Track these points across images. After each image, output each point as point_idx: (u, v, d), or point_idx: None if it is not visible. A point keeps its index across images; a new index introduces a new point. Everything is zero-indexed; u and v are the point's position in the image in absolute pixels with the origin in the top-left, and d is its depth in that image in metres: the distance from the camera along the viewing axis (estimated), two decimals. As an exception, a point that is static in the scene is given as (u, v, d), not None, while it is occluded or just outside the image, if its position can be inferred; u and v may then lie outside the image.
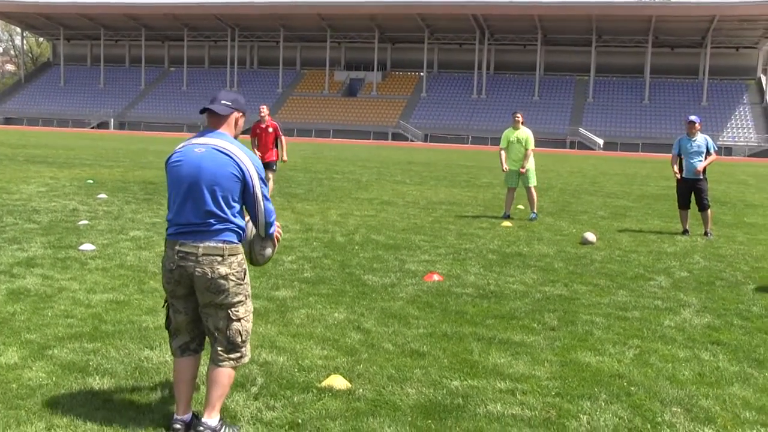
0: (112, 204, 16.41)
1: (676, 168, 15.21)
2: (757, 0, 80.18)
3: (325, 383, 5.64)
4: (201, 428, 4.65)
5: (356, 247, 11.92)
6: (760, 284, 10.12)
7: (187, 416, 4.82)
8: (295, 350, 6.48)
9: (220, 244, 4.68)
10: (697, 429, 5.13)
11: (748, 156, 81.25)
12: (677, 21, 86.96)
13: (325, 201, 18.71)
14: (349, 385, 5.64)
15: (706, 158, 14.81)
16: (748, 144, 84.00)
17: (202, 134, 4.86)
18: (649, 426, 5.14)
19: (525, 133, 16.63)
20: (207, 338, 4.96)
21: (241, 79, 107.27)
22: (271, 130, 17.27)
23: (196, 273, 4.66)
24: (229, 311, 4.74)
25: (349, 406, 5.29)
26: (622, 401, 5.57)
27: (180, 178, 4.72)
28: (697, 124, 14.89)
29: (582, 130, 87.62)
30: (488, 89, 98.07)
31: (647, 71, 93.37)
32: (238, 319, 4.77)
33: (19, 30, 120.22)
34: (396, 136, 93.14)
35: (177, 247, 4.71)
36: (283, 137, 17.57)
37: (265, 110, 17.38)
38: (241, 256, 4.81)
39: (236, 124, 4.93)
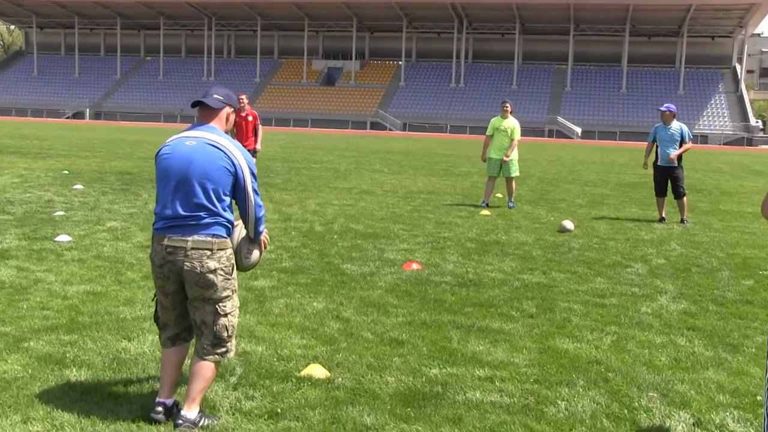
0: (88, 195, 16.30)
1: (647, 158, 15.35)
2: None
3: (304, 372, 5.63)
4: (180, 421, 4.64)
5: (335, 237, 11.91)
6: (734, 270, 10.21)
7: (170, 401, 4.81)
8: (274, 340, 6.47)
9: (210, 238, 4.67)
10: (673, 413, 5.18)
11: (724, 144, 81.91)
12: (654, 10, 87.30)
13: (304, 190, 18.67)
14: (329, 374, 5.64)
15: (680, 146, 14.90)
16: (724, 132, 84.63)
17: (193, 128, 4.85)
18: (626, 411, 5.18)
19: (512, 123, 16.65)
20: None
21: (218, 68, 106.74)
22: (250, 118, 17.25)
23: (185, 267, 4.65)
24: (217, 306, 4.73)
25: (328, 395, 5.29)
26: (600, 387, 5.61)
27: (170, 170, 4.70)
28: (668, 112, 14.94)
29: (560, 119, 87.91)
30: (466, 78, 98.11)
31: (624, 60, 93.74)
32: (225, 314, 4.76)
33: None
34: (374, 125, 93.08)
35: (165, 242, 4.68)
36: (260, 127, 17.54)
37: (245, 99, 17.39)
38: (230, 251, 4.80)
39: (227, 119, 4.91)
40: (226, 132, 4.91)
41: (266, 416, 4.90)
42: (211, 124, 4.83)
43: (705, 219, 15.68)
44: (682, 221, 14.87)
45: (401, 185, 20.85)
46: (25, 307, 7.26)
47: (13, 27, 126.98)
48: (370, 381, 5.57)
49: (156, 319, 4.97)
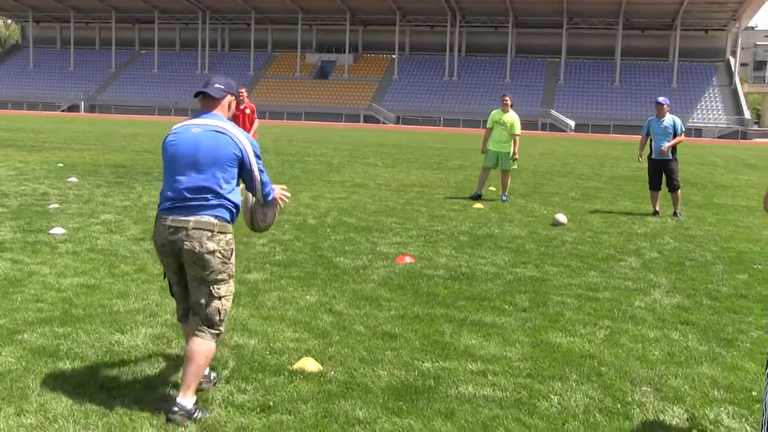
0: (83, 187, 16.26)
1: (641, 151, 15.38)
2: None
3: (296, 366, 5.63)
4: (175, 408, 4.66)
5: (328, 230, 11.91)
6: (728, 264, 10.23)
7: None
8: (267, 333, 6.47)
9: (212, 219, 4.81)
10: (666, 408, 5.18)
11: (718, 137, 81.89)
12: (647, 3, 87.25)
13: (297, 183, 18.65)
14: (321, 368, 5.64)
15: (673, 139, 14.92)
16: (718, 126, 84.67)
17: (197, 116, 5.03)
18: (619, 406, 5.19)
19: (512, 117, 16.67)
20: None
21: (212, 62, 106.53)
22: (248, 111, 17.34)
23: (185, 247, 4.78)
24: (212, 288, 4.86)
25: (320, 388, 5.29)
26: (593, 381, 5.62)
27: (177, 155, 4.87)
28: (665, 106, 15.00)
29: (553, 112, 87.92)
30: (460, 71, 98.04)
31: (618, 53, 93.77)
32: (219, 297, 4.88)
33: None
34: (368, 119, 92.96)
35: (168, 223, 4.83)
36: (257, 120, 17.63)
37: (244, 93, 17.50)
38: (230, 236, 4.92)
39: (229, 106, 5.10)
40: (228, 119, 5.07)
41: (258, 409, 4.90)
42: (215, 111, 5.00)
43: (699, 212, 15.70)
44: (675, 214, 14.89)
45: (394, 178, 20.84)
46: (19, 299, 7.25)
47: (9, 21, 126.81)
48: (363, 374, 5.58)
49: (172, 293, 5.15)
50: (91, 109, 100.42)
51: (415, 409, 5.00)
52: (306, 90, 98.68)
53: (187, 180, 4.81)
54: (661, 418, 5.02)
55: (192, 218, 4.78)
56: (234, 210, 4.93)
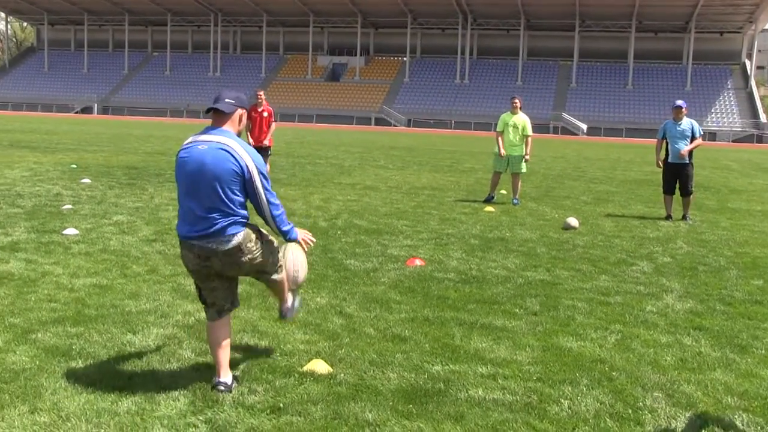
0: (96, 189, 16.33)
1: (659, 155, 15.29)
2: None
3: (306, 368, 5.64)
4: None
5: (338, 232, 11.92)
6: (743, 270, 10.18)
7: (228, 378, 5.21)
8: (277, 335, 6.48)
9: (235, 240, 5.04)
10: (678, 414, 5.15)
11: (733, 141, 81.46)
12: (661, 5, 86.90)
13: (308, 186, 18.68)
14: (331, 370, 5.65)
15: (691, 143, 14.87)
16: (733, 129, 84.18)
17: (206, 131, 5.16)
18: (630, 411, 5.16)
19: (522, 119, 16.66)
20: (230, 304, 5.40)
21: (224, 64, 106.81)
22: (266, 114, 17.42)
23: (225, 271, 5.15)
24: (261, 275, 5.40)
25: (330, 390, 5.30)
26: (604, 386, 5.60)
27: (185, 173, 5.05)
28: (683, 109, 14.97)
29: (565, 115, 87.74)
30: (471, 74, 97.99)
31: (631, 56, 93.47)
32: (271, 273, 5.42)
33: (3, 15, 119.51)
34: (379, 121, 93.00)
35: (196, 251, 5.07)
36: (274, 123, 17.72)
37: (262, 95, 17.59)
38: (254, 235, 5.19)
39: (240, 120, 5.23)
40: (239, 131, 5.21)
41: (268, 411, 4.91)
42: (224, 127, 5.14)
43: (713, 217, 15.63)
44: (683, 218, 14.82)
45: (405, 181, 20.84)
46: (33, 299, 7.30)
47: (25, 24, 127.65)
48: (373, 377, 5.58)
49: (202, 300, 5.36)
50: (104, 110, 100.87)
51: (424, 412, 5.00)
52: (317, 92, 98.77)
53: (196, 199, 5.01)
54: (673, 425, 4.99)
55: (219, 248, 5.01)
56: (245, 220, 5.13)
